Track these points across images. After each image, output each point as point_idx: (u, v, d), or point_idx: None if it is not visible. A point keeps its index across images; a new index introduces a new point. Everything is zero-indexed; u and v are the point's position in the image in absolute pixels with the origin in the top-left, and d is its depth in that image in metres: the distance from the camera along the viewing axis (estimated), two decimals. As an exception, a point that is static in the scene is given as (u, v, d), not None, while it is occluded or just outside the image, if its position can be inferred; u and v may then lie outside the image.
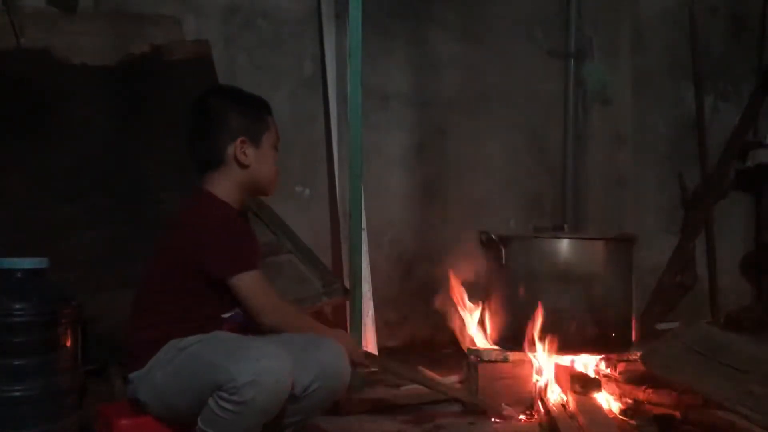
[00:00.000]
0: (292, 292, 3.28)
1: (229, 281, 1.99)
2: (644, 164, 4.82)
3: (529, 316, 2.88)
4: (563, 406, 2.68)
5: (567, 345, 2.85)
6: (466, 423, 2.69)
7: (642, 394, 2.71)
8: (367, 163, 3.25)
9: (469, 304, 3.25)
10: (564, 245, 2.95)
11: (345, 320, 3.44)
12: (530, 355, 2.85)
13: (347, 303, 3.38)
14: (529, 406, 2.80)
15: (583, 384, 2.70)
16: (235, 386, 1.76)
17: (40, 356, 2.17)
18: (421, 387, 2.95)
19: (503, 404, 2.78)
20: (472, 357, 2.92)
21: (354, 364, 2.14)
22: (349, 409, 2.74)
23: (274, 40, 3.91)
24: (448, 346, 3.98)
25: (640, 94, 4.80)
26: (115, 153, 3.11)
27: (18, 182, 2.93)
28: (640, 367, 2.79)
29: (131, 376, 2.02)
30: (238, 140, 2.10)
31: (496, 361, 2.86)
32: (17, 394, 2.12)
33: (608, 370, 2.93)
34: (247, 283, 2.00)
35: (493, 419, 2.70)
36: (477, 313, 3.21)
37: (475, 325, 3.20)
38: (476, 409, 2.74)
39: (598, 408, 2.60)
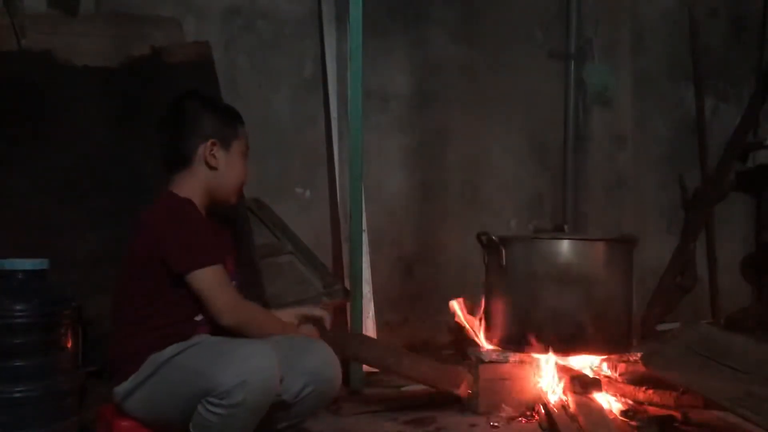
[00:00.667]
0: (292, 293, 3.29)
1: (186, 277, 1.96)
2: (644, 165, 4.82)
3: (529, 317, 2.88)
4: (563, 406, 2.68)
5: (567, 346, 2.85)
6: (467, 424, 2.70)
7: (642, 394, 2.71)
8: (367, 165, 3.25)
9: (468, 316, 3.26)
10: (564, 246, 2.94)
11: (346, 321, 3.44)
12: (531, 355, 2.85)
13: (348, 304, 3.38)
14: (529, 407, 2.80)
15: (583, 385, 2.71)
16: (225, 391, 1.75)
17: (40, 357, 2.17)
18: (422, 388, 2.96)
19: (503, 405, 2.79)
20: (472, 358, 2.92)
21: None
22: (349, 410, 2.74)
23: (275, 42, 3.92)
24: (448, 347, 3.99)
25: (641, 96, 4.80)
26: (115, 154, 3.11)
27: (18, 183, 2.93)
28: (641, 367, 2.79)
29: (115, 389, 2.00)
30: (209, 141, 2.11)
31: (496, 362, 2.86)
32: (18, 395, 2.12)
33: (609, 371, 2.93)
34: (204, 280, 1.96)
35: (492, 423, 2.70)
36: (477, 314, 3.21)
37: (476, 326, 3.20)
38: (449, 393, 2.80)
39: (598, 409, 2.61)
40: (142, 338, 1.98)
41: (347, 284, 3.38)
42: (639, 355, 2.85)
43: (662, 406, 2.64)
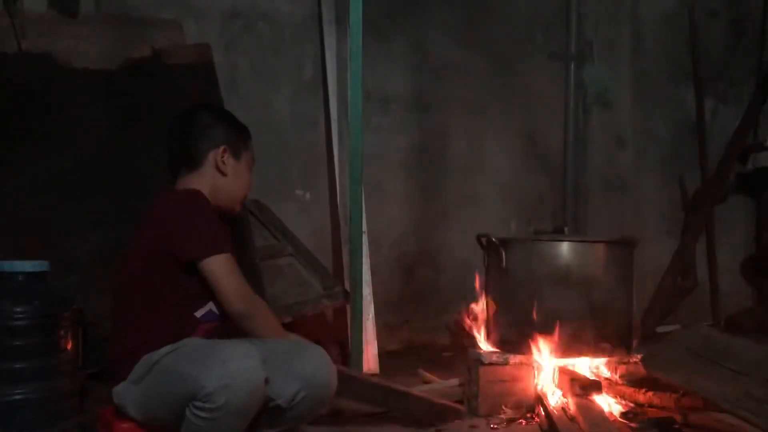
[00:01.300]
0: (292, 295, 3.29)
1: (199, 263, 1.97)
2: (644, 167, 4.83)
3: (529, 319, 2.88)
4: (563, 408, 2.68)
5: (567, 348, 2.85)
6: (467, 426, 2.70)
7: (642, 396, 2.71)
8: (367, 166, 3.25)
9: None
10: (564, 248, 2.94)
11: (346, 323, 3.44)
12: (531, 357, 2.85)
13: (348, 306, 3.38)
14: (529, 409, 2.80)
15: (583, 387, 2.70)
16: (207, 394, 1.75)
17: (40, 359, 2.17)
18: (423, 391, 2.96)
19: (503, 407, 2.79)
20: (472, 359, 2.92)
21: None
22: (349, 414, 2.74)
23: (275, 44, 3.92)
24: (448, 349, 3.99)
25: (640, 97, 4.81)
26: (116, 156, 3.12)
27: (19, 185, 2.93)
28: (641, 369, 2.80)
29: (114, 390, 2.00)
30: (221, 147, 2.16)
31: (496, 364, 2.86)
32: (18, 397, 2.12)
33: (609, 373, 2.93)
34: (218, 265, 1.98)
35: (492, 425, 2.70)
36: (478, 316, 3.21)
37: (476, 328, 3.20)
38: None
39: (598, 411, 2.60)
40: (142, 337, 1.98)
41: (347, 286, 3.38)
42: (639, 356, 2.85)
43: (662, 408, 2.64)
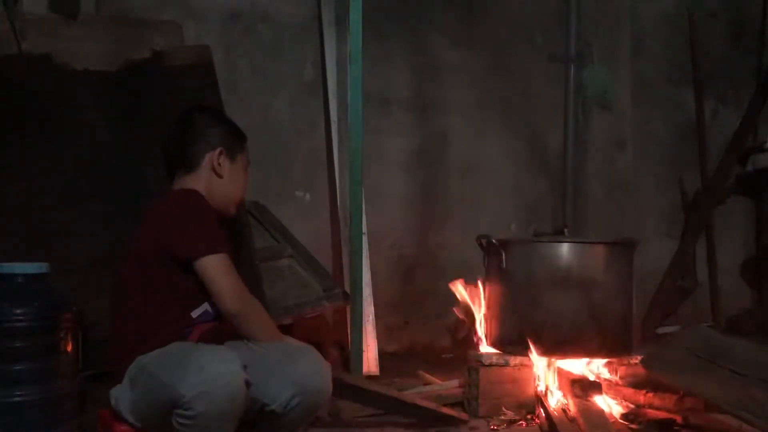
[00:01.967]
0: (292, 296, 3.28)
1: (195, 262, 1.96)
2: (644, 168, 4.83)
3: (529, 320, 2.88)
4: (564, 410, 2.68)
5: (567, 349, 2.85)
6: (467, 427, 2.70)
7: (643, 398, 2.71)
8: (367, 168, 3.25)
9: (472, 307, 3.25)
10: (564, 249, 2.94)
11: (345, 325, 3.43)
12: (531, 358, 2.85)
13: (348, 307, 3.38)
14: (529, 410, 2.80)
15: (583, 388, 2.70)
16: (185, 401, 1.73)
17: (40, 361, 2.17)
18: (421, 392, 2.96)
19: (503, 408, 2.79)
20: (472, 361, 2.92)
21: None
22: (348, 414, 2.74)
23: (275, 46, 3.92)
24: (448, 350, 3.99)
25: (640, 99, 4.81)
26: (116, 158, 3.11)
27: (19, 187, 2.93)
28: (641, 370, 2.79)
29: (111, 392, 1.99)
30: (218, 150, 2.17)
31: (496, 365, 2.86)
32: (17, 399, 2.12)
33: (609, 374, 2.93)
34: (213, 264, 1.97)
35: (492, 426, 2.70)
36: (478, 317, 3.20)
37: (476, 329, 3.19)
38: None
39: (598, 412, 2.60)
40: (138, 337, 1.97)
41: (347, 287, 3.38)
42: (639, 358, 2.85)
43: (662, 409, 2.64)
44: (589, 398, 2.67)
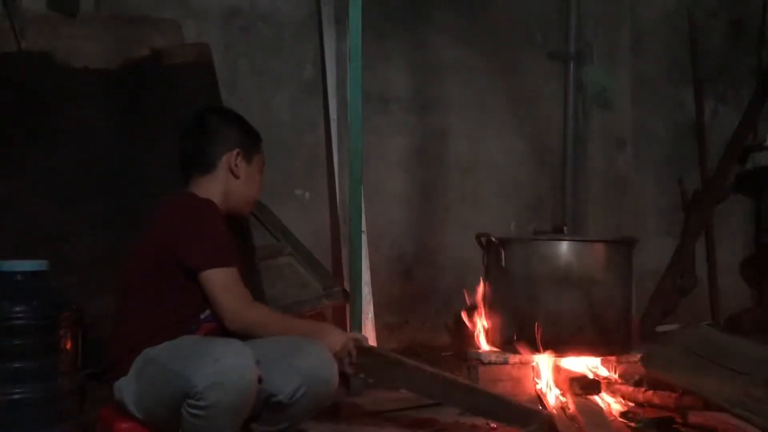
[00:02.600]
0: (292, 295, 3.29)
1: (199, 275, 1.97)
2: (644, 167, 4.83)
3: (529, 319, 2.88)
4: (563, 408, 2.68)
5: (567, 347, 2.85)
6: (467, 426, 2.69)
7: (642, 396, 2.71)
8: (367, 167, 3.25)
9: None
10: (564, 248, 2.95)
11: (345, 323, 3.43)
12: (530, 357, 2.85)
13: (347, 306, 3.38)
14: (529, 409, 2.80)
15: (582, 386, 2.71)
16: (198, 392, 1.75)
17: (40, 359, 2.17)
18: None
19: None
20: (472, 359, 2.92)
21: (339, 365, 2.08)
22: (349, 412, 2.74)
23: (274, 44, 3.92)
24: (448, 349, 3.99)
25: (640, 97, 4.81)
26: (115, 156, 3.11)
27: (19, 185, 2.93)
28: (640, 369, 2.80)
29: (115, 385, 2.01)
30: (235, 151, 2.18)
31: (496, 364, 2.86)
32: (17, 397, 2.12)
33: (608, 372, 2.93)
34: (217, 279, 1.97)
35: (492, 424, 2.69)
36: (477, 316, 3.21)
37: (476, 328, 3.20)
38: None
39: (597, 410, 2.61)
40: (144, 334, 1.98)
41: (347, 286, 3.38)
42: (639, 356, 2.85)
43: (662, 408, 2.64)
44: (588, 396, 2.68)
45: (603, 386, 2.78)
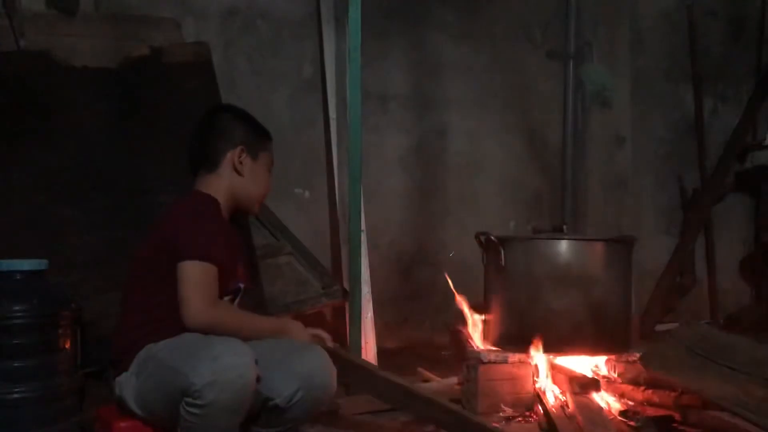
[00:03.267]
0: (291, 293, 3.29)
1: (178, 264, 1.94)
2: (643, 166, 4.83)
3: (528, 317, 2.88)
4: (562, 407, 2.68)
5: (566, 346, 2.85)
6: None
7: (641, 395, 2.71)
8: (366, 165, 3.25)
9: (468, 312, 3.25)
10: (563, 246, 2.94)
11: (344, 322, 3.43)
12: (529, 355, 2.85)
13: (347, 304, 3.38)
14: (528, 408, 2.81)
15: (582, 385, 2.70)
16: (196, 390, 1.75)
17: (39, 358, 2.17)
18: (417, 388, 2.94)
19: (502, 405, 2.79)
20: (471, 358, 2.92)
21: None
22: (348, 410, 2.74)
23: (274, 43, 3.92)
24: (447, 348, 3.99)
25: (639, 96, 4.81)
26: (114, 155, 3.11)
27: (17, 183, 2.93)
28: (640, 368, 2.79)
29: (116, 380, 2.01)
30: (239, 148, 2.18)
31: (495, 362, 2.86)
32: (16, 396, 2.12)
33: (607, 371, 2.93)
34: (192, 273, 1.93)
35: (491, 423, 2.69)
36: (476, 315, 3.20)
37: (475, 327, 3.19)
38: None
39: (597, 409, 2.60)
40: (147, 328, 1.99)
41: (346, 284, 3.38)
42: (638, 355, 2.85)
43: (661, 407, 2.64)
44: (587, 395, 2.67)
45: (602, 385, 2.77)
